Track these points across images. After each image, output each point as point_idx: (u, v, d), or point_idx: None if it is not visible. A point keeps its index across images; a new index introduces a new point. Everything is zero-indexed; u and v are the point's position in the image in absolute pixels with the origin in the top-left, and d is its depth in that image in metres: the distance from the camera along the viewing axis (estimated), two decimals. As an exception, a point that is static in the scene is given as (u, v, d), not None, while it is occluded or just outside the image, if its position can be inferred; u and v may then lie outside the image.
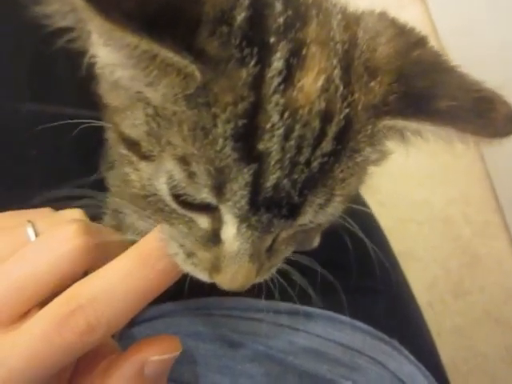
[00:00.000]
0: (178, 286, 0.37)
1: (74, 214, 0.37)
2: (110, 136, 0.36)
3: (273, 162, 0.29)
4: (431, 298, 1.15)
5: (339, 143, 0.30)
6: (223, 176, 0.29)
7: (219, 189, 0.30)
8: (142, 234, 0.37)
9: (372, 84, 0.31)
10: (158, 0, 0.26)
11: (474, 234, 1.24)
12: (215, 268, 0.34)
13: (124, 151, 0.34)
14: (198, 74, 0.28)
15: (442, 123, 0.31)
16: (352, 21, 0.33)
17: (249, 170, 0.29)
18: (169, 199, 0.32)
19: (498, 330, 1.13)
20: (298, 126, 0.29)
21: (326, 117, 0.30)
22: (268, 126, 0.29)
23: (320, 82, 0.30)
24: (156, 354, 0.34)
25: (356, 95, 0.31)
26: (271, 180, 0.29)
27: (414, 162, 1.25)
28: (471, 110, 0.31)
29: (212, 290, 0.39)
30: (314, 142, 0.29)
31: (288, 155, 0.29)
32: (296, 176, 0.30)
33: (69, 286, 0.33)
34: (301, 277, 0.45)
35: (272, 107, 0.29)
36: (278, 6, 0.30)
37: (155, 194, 0.33)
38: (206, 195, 0.30)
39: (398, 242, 0.82)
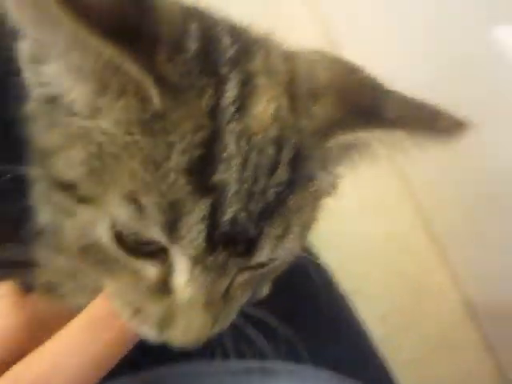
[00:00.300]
0: (136, 354, 0.34)
1: (3, 289, 0.34)
2: (39, 188, 0.33)
3: (230, 193, 0.28)
4: (384, 332, 1.15)
5: (293, 171, 0.30)
6: (176, 211, 0.28)
7: (172, 226, 0.28)
8: (81, 306, 0.34)
9: (317, 108, 0.32)
10: (118, 11, 0.26)
11: (415, 266, 1.27)
12: (165, 322, 0.31)
13: (57, 197, 0.31)
14: (157, 98, 0.27)
15: (393, 128, 0.32)
16: (290, 54, 0.34)
17: (205, 202, 0.28)
18: (112, 246, 0.30)
19: (452, 355, 1.15)
20: (253, 154, 0.29)
21: (279, 143, 0.30)
22: (225, 154, 0.28)
23: (271, 110, 0.30)
24: None
25: (303, 121, 0.31)
26: (229, 213, 0.28)
27: (350, 200, 1.28)
28: (419, 119, 0.32)
29: (165, 355, 0.37)
30: (269, 171, 0.29)
31: (245, 185, 0.28)
32: (252, 207, 0.29)
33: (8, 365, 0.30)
34: (256, 331, 0.43)
35: (228, 135, 0.28)
36: (226, 40, 0.31)
37: (93, 244, 0.30)
38: (157, 234, 0.28)
39: (345, 281, 0.82)
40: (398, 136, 0.32)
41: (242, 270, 0.32)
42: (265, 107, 0.30)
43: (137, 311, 0.32)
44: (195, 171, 0.28)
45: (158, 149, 0.28)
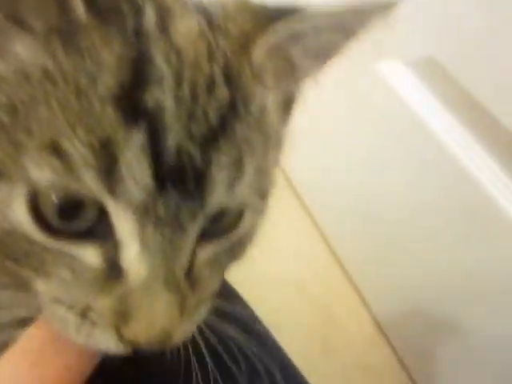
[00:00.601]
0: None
1: None
2: None
3: (168, 115, 0.25)
4: (305, 363, 1.15)
5: (231, 91, 0.27)
6: (110, 149, 0.23)
7: (108, 170, 0.24)
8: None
9: (231, 26, 0.29)
10: None
11: (326, 293, 1.31)
12: (123, 317, 0.25)
13: None
14: (80, 9, 0.24)
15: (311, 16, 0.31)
16: None
17: (140, 130, 0.24)
18: (35, 229, 0.24)
19: (368, 378, 1.18)
20: (187, 71, 0.26)
21: (210, 59, 0.27)
22: (156, 74, 0.25)
23: (195, 26, 0.28)
24: None
25: (222, 40, 0.28)
26: (171, 139, 0.24)
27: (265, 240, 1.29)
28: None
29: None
30: (206, 88, 0.26)
31: (183, 105, 0.25)
32: (195, 130, 0.25)
33: None
34: None
35: (156, 54, 0.25)
36: None
37: (12, 232, 0.25)
38: (91, 183, 0.24)
39: (262, 316, 0.82)
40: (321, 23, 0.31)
41: (203, 241, 0.28)
42: (188, 24, 0.28)
43: (84, 313, 0.26)
44: (124, 97, 0.24)
45: (81, 73, 0.24)
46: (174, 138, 0.25)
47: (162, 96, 0.25)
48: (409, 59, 1.03)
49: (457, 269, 1.00)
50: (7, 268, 0.27)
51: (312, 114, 1.32)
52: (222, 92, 0.27)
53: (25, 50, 0.25)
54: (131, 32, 0.25)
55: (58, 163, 0.24)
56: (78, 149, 0.24)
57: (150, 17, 0.26)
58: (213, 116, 0.26)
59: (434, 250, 1.05)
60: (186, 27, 0.27)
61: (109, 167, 0.24)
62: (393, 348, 1.22)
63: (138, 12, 0.26)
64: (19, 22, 0.24)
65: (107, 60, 0.24)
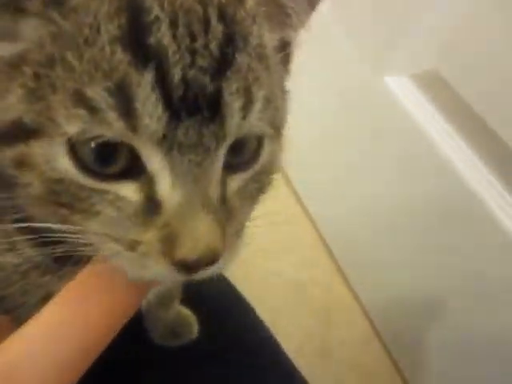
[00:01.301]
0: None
1: None
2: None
3: (171, 53, 0.27)
4: (301, 363, 1.18)
5: (227, 26, 0.29)
6: (125, 90, 0.26)
7: (127, 110, 0.26)
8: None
9: None
10: None
11: (323, 294, 1.34)
12: (170, 244, 0.28)
13: (7, 152, 0.29)
14: None
15: None
16: None
17: (148, 69, 0.27)
18: (79, 175, 0.28)
19: (363, 379, 1.21)
20: (181, 13, 0.28)
21: (203, 2, 0.29)
22: (152, 17, 0.27)
23: None
24: None
25: None
26: (177, 73, 0.27)
27: (257, 236, 1.32)
28: None
29: None
30: (202, 27, 0.28)
31: (183, 43, 0.28)
32: (200, 63, 0.28)
33: None
34: None
35: (149, 1, 0.28)
36: None
37: (61, 181, 0.28)
38: (116, 124, 0.27)
39: (262, 315, 0.85)
40: None
41: (230, 173, 0.31)
42: None
43: (133, 245, 0.29)
44: (129, 39, 0.27)
45: (84, 27, 0.27)
46: (179, 71, 0.27)
47: (162, 37, 0.27)
48: (413, 73, 1.06)
49: (454, 274, 1.03)
50: (59, 216, 0.30)
51: (317, 125, 1.36)
52: (218, 28, 0.29)
53: (32, 28, 0.28)
54: None
55: (85, 112, 0.27)
56: (98, 94, 0.26)
57: None
58: (214, 49, 0.28)
59: (431, 257, 1.08)
60: None
61: (127, 107, 0.27)
62: (387, 350, 1.25)
63: None
64: (21, 10, 0.28)
65: (100, 12, 0.27)
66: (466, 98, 0.91)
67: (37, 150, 0.28)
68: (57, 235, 0.31)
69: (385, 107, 1.10)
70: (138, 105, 0.27)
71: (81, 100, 0.27)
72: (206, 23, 0.29)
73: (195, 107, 0.28)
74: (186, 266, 0.29)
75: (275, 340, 0.77)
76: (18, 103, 0.28)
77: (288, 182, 1.48)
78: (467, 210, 0.95)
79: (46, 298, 0.42)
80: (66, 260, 0.35)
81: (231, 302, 0.77)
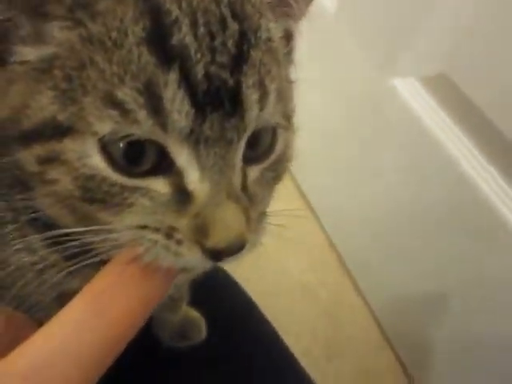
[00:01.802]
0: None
1: None
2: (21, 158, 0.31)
3: (193, 51, 0.29)
4: (309, 365, 1.18)
5: (239, 23, 0.31)
6: (153, 88, 0.28)
7: (156, 108, 0.28)
8: None
9: None
10: None
11: (329, 296, 1.34)
12: (202, 232, 0.30)
13: (35, 149, 0.30)
14: None
15: None
16: None
17: (174, 67, 0.28)
18: (111, 173, 0.30)
19: (371, 381, 1.21)
20: (199, 14, 0.30)
21: (216, 1, 0.31)
22: (172, 19, 0.29)
23: None
24: None
25: None
26: (200, 70, 0.29)
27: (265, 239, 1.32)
28: None
29: None
30: (220, 26, 0.30)
31: (204, 43, 0.29)
32: (220, 59, 0.30)
33: None
34: None
35: (169, 5, 0.29)
36: None
37: (93, 177, 0.30)
38: (145, 123, 0.28)
39: (269, 317, 0.85)
40: None
41: (249, 164, 0.33)
42: None
43: (170, 233, 0.31)
44: (153, 41, 0.28)
45: (112, 30, 0.29)
46: (201, 68, 0.29)
47: (184, 37, 0.29)
48: (421, 75, 1.06)
49: (463, 275, 1.03)
50: (80, 215, 0.32)
51: (326, 128, 1.37)
52: (233, 26, 0.31)
53: (59, 31, 0.30)
54: None
55: (116, 113, 0.28)
56: (129, 95, 0.28)
57: None
58: (231, 46, 0.30)
59: (439, 258, 1.08)
60: None
61: (155, 106, 0.28)
62: (395, 351, 1.24)
63: None
64: (45, 14, 0.29)
65: (127, 16, 0.29)
66: (475, 101, 0.91)
67: (70, 146, 0.29)
68: (71, 237, 0.33)
69: (393, 109, 1.10)
70: (167, 103, 0.28)
71: (112, 101, 0.28)
72: (223, 22, 0.30)
73: (218, 102, 0.29)
74: (216, 254, 0.31)
75: (282, 340, 0.77)
76: (50, 104, 0.29)
77: (295, 184, 1.48)
78: (475, 212, 0.95)
79: (61, 297, 0.42)
80: (80, 258, 0.36)
81: (238, 302, 0.77)
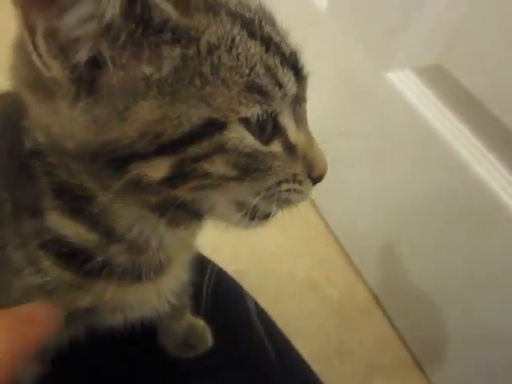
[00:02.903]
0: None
1: None
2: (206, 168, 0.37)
3: (278, 40, 0.38)
4: (321, 367, 1.17)
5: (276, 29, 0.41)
6: (272, 70, 0.36)
7: (279, 86, 0.36)
8: None
9: None
10: None
11: (339, 294, 1.33)
12: (310, 167, 0.41)
13: (195, 150, 0.35)
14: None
15: None
16: None
17: (273, 52, 0.37)
18: (260, 145, 0.37)
19: (384, 379, 1.20)
20: (266, 17, 0.39)
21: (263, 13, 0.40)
22: (258, 21, 0.38)
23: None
24: None
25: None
26: (286, 50, 0.38)
27: (270, 241, 1.32)
28: None
29: None
30: (275, 25, 0.40)
31: (277, 33, 0.39)
32: (287, 42, 0.39)
33: None
34: None
35: (247, 12, 0.38)
36: None
37: (249, 154, 0.36)
38: (277, 96, 0.36)
39: (277, 320, 0.85)
40: None
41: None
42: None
43: (295, 178, 0.40)
44: (253, 36, 0.36)
45: (227, 37, 0.35)
46: (287, 49, 0.38)
47: (270, 31, 0.38)
48: (416, 67, 1.05)
49: (476, 270, 1.01)
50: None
51: (324, 126, 1.35)
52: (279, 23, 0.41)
53: (176, 51, 0.34)
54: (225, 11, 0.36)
55: (259, 96, 0.35)
56: (263, 79, 0.35)
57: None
58: (284, 35, 0.40)
59: (448, 252, 1.07)
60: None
61: (277, 83, 0.36)
62: (408, 349, 1.23)
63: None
64: (165, 43, 0.34)
65: (228, 26, 0.35)
66: (471, 90, 0.90)
67: (230, 135, 0.35)
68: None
69: (390, 102, 1.09)
70: (282, 78, 0.36)
71: (254, 87, 0.35)
72: (275, 21, 0.40)
73: (296, 71, 0.38)
74: (318, 179, 0.42)
75: (291, 345, 0.76)
76: (201, 108, 0.34)
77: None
78: (478, 202, 0.94)
79: (74, 314, 0.44)
80: (94, 274, 0.42)
81: (244, 308, 0.77)
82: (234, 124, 0.35)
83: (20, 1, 0.30)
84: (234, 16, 0.36)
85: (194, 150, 0.35)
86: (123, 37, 0.32)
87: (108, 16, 0.31)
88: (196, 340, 0.68)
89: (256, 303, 0.76)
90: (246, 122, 0.36)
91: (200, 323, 0.71)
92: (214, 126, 0.35)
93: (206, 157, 0.35)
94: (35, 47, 0.32)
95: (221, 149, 0.35)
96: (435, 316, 1.13)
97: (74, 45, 0.32)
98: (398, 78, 1.07)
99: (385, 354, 1.23)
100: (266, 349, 0.71)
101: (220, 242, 1.16)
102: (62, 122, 0.34)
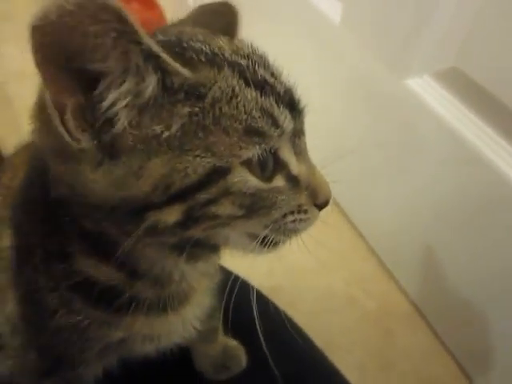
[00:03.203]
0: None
1: None
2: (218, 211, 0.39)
3: (272, 82, 0.40)
4: (365, 379, 1.16)
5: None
6: (268, 111, 0.38)
7: (276, 125, 0.38)
8: None
9: None
10: None
11: (378, 306, 1.31)
12: (314, 195, 0.42)
13: (203, 196, 0.37)
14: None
15: None
16: None
17: (268, 93, 0.39)
18: (262, 184, 0.39)
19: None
20: (259, 61, 0.41)
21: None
22: (253, 68, 0.39)
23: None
24: None
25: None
26: (281, 90, 0.40)
27: (306, 256, 1.32)
28: None
29: None
30: (269, 67, 0.41)
31: (272, 75, 0.41)
32: (281, 81, 0.41)
33: None
34: None
35: (243, 61, 0.39)
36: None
37: (253, 194, 0.38)
38: (274, 135, 0.38)
39: (316, 337, 0.84)
40: None
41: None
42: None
43: (300, 209, 0.42)
44: (249, 82, 0.38)
45: (226, 88, 0.37)
46: (281, 89, 0.40)
47: (265, 75, 0.39)
48: (434, 72, 1.05)
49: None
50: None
51: (345, 137, 1.36)
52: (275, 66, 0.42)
53: (186, 109, 0.36)
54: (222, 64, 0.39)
55: (257, 138, 0.37)
56: (261, 122, 0.37)
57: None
58: (279, 76, 0.42)
59: (484, 253, 1.04)
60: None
61: (275, 123, 0.38)
62: (453, 356, 1.20)
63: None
64: (178, 101, 0.36)
65: (228, 78, 0.37)
66: (490, 89, 0.89)
67: (233, 180, 0.37)
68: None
69: (411, 109, 1.09)
70: (279, 117, 0.38)
71: (252, 131, 0.37)
72: (267, 62, 0.42)
73: (292, 107, 0.40)
74: (323, 205, 0.43)
75: (328, 360, 0.76)
76: (202, 160, 0.36)
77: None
78: (504, 203, 0.92)
79: (104, 350, 0.46)
80: (123, 310, 0.45)
81: (281, 326, 0.77)
82: (237, 168, 0.37)
83: (51, 88, 0.33)
84: (233, 66, 0.38)
85: (202, 195, 0.37)
86: (151, 102, 0.35)
87: (149, 90, 0.34)
88: (231, 361, 0.69)
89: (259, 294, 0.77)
90: (247, 163, 0.38)
91: (233, 343, 0.72)
92: (219, 173, 0.37)
93: (213, 201, 0.37)
94: (63, 124, 0.34)
95: (226, 192, 0.37)
96: (480, 322, 1.10)
97: (108, 119, 0.35)
98: (416, 84, 1.07)
99: (430, 364, 1.20)
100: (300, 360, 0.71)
101: (255, 259, 1.17)
102: (84, 182, 0.37)
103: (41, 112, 0.36)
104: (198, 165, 0.36)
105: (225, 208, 0.38)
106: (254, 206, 0.39)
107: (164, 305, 0.48)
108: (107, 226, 0.40)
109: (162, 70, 0.35)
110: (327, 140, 1.43)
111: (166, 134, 0.35)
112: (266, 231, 0.41)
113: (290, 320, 0.78)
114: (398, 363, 1.20)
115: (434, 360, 1.20)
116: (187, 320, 0.52)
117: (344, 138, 1.32)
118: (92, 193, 0.37)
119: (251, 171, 0.38)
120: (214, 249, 0.46)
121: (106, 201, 0.37)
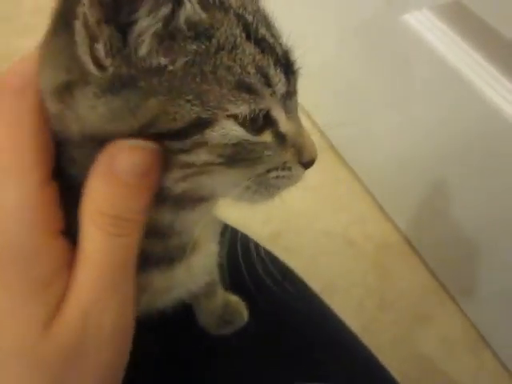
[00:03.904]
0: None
1: None
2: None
3: (272, 41, 0.40)
4: (363, 320, 1.19)
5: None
6: (263, 70, 0.38)
7: (268, 84, 0.38)
8: None
9: None
10: None
11: (376, 247, 1.33)
12: (299, 153, 0.43)
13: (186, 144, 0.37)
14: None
15: None
16: None
17: (267, 52, 0.39)
18: (248, 135, 0.39)
19: (428, 326, 1.20)
20: (260, 18, 0.40)
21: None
22: (254, 22, 0.39)
23: None
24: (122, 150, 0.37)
25: None
26: (279, 51, 0.40)
27: (303, 201, 1.32)
28: None
29: None
30: (270, 25, 0.42)
31: (272, 35, 0.41)
32: (279, 42, 0.41)
33: None
34: None
35: (247, 15, 0.39)
36: None
37: (238, 144, 0.38)
38: (266, 94, 0.38)
39: (315, 279, 0.85)
40: None
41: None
42: None
43: (284, 166, 0.42)
44: (250, 38, 0.38)
45: (227, 38, 0.37)
46: (280, 50, 0.40)
47: (265, 34, 0.39)
48: (434, 5, 1.00)
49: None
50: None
51: (342, 77, 1.32)
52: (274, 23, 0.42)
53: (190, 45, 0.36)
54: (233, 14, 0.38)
55: (248, 95, 0.37)
56: (254, 79, 0.37)
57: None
58: (277, 35, 0.41)
59: (483, 199, 1.04)
60: None
61: (267, 82, 0.38)
62: (450, 295, 1.23)
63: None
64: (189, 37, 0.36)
65: (232, 28, 0.37)
66: (493, 24, 0.84)
67: (214, 133, 0.37)
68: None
69: (409, 44, 1.05)
70: (273, 78, 0.38)
71: (243, 86, 0.37)
72: (270, 22, 0.42)
73: (287, 69, 0.40)
74: (308, 164, 0.44)
75: (330, 310, 0.76)
76: (191, 107, 0.36)
77: (324, 137, 1.45)
78: (501, 137, 0.91)
79: None
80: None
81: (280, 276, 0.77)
82: (221, 120, 0.37)
83: (95, 15, 0.33)
84: (238, 17, 0.38)
85: (175, 145, 0.37)
86: (169, 34, 0.35)
87: (182, 19, 0.35)
88: (232, 316, 0.70)
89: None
90: (234, 117, 0.37)
91: (234, 298, 0.72)
92: (199, 126, 0.36)
93: (185, 151, 0.37)
94: (92, 52, 0.34)
95: (202, 144, 0.37)
96: (477, 261, 1.12)
97: (138, 44, 0.35)
98: (414, 20, 1.02)
99: (428, 303, 1.23)
100: (303, 316, 0.72)
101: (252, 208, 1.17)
102: (81, 110, 0.36)
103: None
104: (186, 112, 0.36)
105: (198, 157, 0.38)
106: (237, 157, 0.39)
107: (171, 258, 0.49)
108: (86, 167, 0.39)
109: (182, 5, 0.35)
110: (321, 78, 1.40)
111: (170, 68, 0.35)
112: (249, 182, 0.42)
113: (291, 272, 0.78)
114: (395, 303, 1.22)
115: (430, 298, 1.23)
116: (196, 270, 0.52)
117: (338, 76, 1.28)
118: (82, 121, 0.36)
119: (239, 123, 0.38)
120: (204, 200, 0.45)
121: (92, 131, 0.37)
